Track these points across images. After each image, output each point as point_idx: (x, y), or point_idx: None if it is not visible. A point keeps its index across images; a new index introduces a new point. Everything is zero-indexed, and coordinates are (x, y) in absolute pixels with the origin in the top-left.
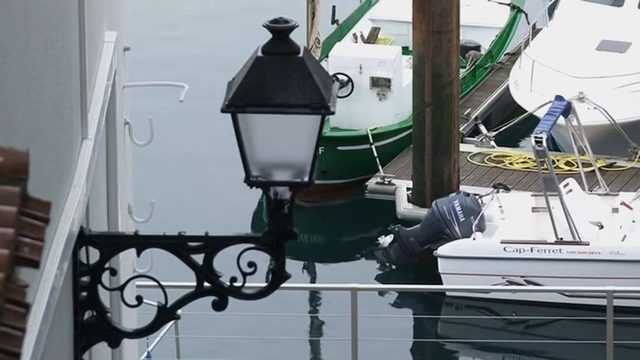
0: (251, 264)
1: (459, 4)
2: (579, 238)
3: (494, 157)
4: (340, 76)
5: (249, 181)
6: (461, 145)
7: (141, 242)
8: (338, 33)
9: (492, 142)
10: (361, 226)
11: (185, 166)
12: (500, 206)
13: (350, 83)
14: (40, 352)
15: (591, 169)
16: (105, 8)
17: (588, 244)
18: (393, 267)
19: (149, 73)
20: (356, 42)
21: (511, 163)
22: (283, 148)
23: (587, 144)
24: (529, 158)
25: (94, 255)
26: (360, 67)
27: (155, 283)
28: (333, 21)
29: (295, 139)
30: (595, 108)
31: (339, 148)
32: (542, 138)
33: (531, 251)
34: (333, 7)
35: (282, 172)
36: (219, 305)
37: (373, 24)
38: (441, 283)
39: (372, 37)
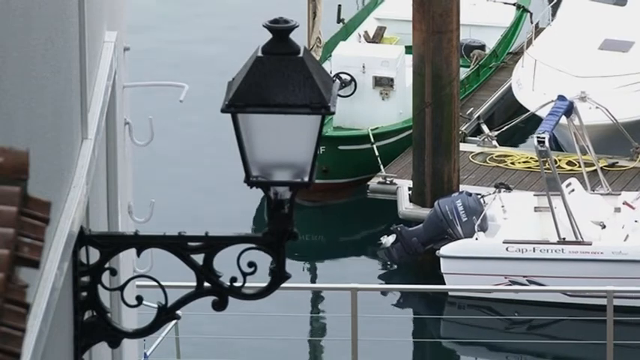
0: (251, 264)
1: (459, 4)
2: (582, 237)
3: (496, 156)
4: (343, 76)
5: (250, 181)
6: (463, 144)
7: (141, 242)
8: (344, 32)
9: (494, 142)
10: (362, 226)
11: (185, 166)
12: (502, 206)
13: (353, 82)
14: (40, 352)
15: (593, 168)
16: (105, 8)
17: (591, 244)
18: (395, 266)
19: (149, 72)
20: (361, 41)
21: (513, 163)
22: (283, 148)
23: (590, 143)
24: (531, 158)
25: (94, 255)
26: (363, 67)
27: (155, 283)
28: (339, 20)
29: (295, 139)
30: (597, 107)
31: (340, 147)
32: (544, 138)
33: (534, 251)
34: (339, 6)
35: (282, 172)
36: (219, 305)
37: (379, 23)
38: (444, 283)
39: (378, 37)
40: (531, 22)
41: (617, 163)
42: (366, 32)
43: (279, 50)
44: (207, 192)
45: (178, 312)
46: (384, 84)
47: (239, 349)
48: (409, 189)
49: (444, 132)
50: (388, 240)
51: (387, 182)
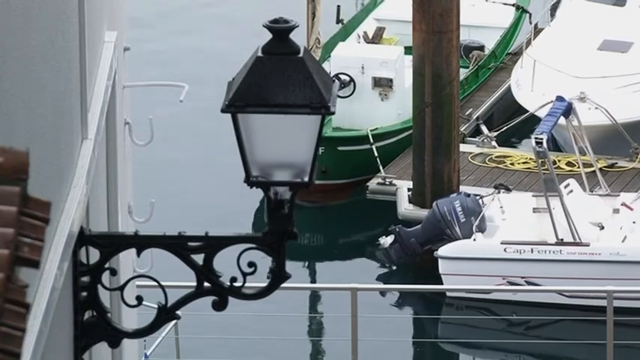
0: (251, 264)
1: (459, 4)
2: (580, 238)
3: (496, 157)
4: (342, 76)
5: (250, 181)
6: (462, 145)
7: (141, 242)
8: (343, 32)
9: (494, 143)
10: (362, 227)
11: (185, 166)
12: (500, 207)
13: (352, 83)
14: (40, 352)
15: (592, 169)
16: (105, 8)
17: (589, 245)
18: (394, 267)
19: (149, 72)
20: (360, 42)
21: (512, 164)
22: (283, 148)
23: (588, 144)
24: (530, 159)
25: (94, 255)
26: (363, 67)
27: (155, 283)
28: (338, 20)
29: (295, 139)
30: (596, 108)
31: (340, 148)
32: (542, 139)
33: (532, 252)
34: (338, 6)
35: (282, 172)
36: (219, 305)
37: (378, 24)
38: (442, 284)
39: (377, 37)
40: (530, 23)
41: (616, 163)
42: (365, 33)
43: (279, 50)
44: (207, 192)
45: (178, 312)
46: (383, 84)
47: (239, 349)
48: (408, 190)
49: (444, 132)
50: (386, 241)
51: (387, 183)
